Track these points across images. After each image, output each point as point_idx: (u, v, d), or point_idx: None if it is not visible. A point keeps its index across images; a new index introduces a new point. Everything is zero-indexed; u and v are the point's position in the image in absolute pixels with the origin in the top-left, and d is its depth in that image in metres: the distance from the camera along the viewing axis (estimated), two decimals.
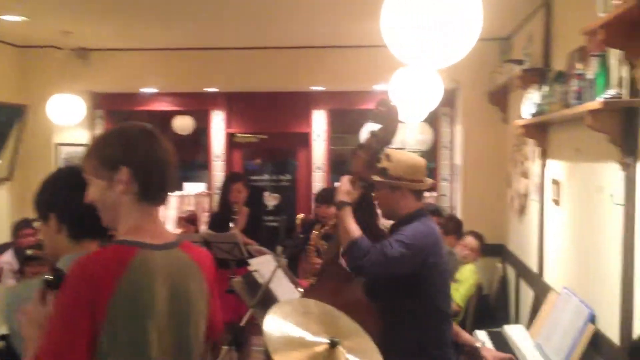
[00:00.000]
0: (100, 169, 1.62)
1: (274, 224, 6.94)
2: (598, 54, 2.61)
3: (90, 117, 6.88)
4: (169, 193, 1.69)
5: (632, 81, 2.43)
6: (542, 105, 3.56)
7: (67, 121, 5.37)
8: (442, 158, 6.64)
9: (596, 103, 2.46)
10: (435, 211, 5.85)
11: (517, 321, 4.96)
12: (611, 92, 2.41)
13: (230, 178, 4.86)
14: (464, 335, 3.50)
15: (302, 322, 1.97)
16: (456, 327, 3.44)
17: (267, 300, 3.12)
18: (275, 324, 1.90)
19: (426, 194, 6.53)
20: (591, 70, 2.67)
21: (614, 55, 2.54)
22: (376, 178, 2.56)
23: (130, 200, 1.61)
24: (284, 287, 3.42)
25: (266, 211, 6.98)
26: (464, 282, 4.77)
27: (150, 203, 1.63)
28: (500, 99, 5.52)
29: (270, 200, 7.01)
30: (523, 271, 4.87)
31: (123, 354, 1.51)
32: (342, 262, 2.92)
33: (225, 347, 2.90)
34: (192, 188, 7.02)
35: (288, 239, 4.34)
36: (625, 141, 2.52)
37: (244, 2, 4.47)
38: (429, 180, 2.66)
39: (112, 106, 7.00)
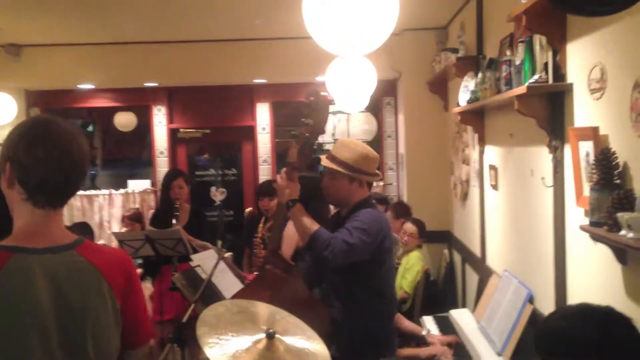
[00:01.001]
0: (0, 160, 1.57)
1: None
2: (524, 40, 2.67)
3: (27, 115, 6.67)
4: (60, 197, 1.58)
5: (556, 66, 2.50)
6: (477, 92, 3.63)
7: None
8: (387, 147, 6.71)
9: (522, 88, 2.52)
10: (383, 200, 5.91)
11: (464, 305, 5.06)
12: (535, 77, 2.47)
13: (171, 174, 4.78)
14: (407, 323, 3.55)
15: (236, 322, 1.96)
16: (398, 316, 3.49)
17: (210, 295, 3.10)
18: (211, 333, 1.87)
19: (374, 183, 6.66)
20: (519, 56, 2.73)
21: (539, 41, 2.61)
22: (337, 168, 2.58)
23: (19, 200, 1.55)
24: (227, 281, 3.39)
25: (213, 206, 6.91)
26: (411, 268, 4.83)
27: (36, 205, 1.54)
28: (440, 87, 5.61)
29: (217, 195, 6.94)
30: (468, 256, 4.97)
31: None
32: (282, 253, 2.93)
33: (168, 345, 2.85)
34: (136, 185, 6.87)
35: (227, 232, 4.30)
36: (552, 124, 2.59)
37: None
38: (380, 173, 2.74)
39: (49, 104, 6.77)
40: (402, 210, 5.31)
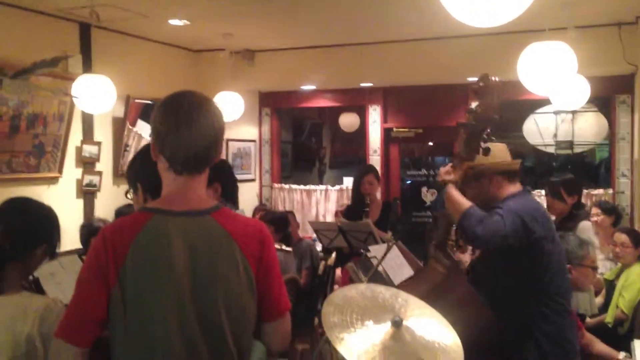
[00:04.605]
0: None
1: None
2: None
3: (259, 114, 7.38)
4: (194, 164, 1.68)
5: None
6: None
7: (230, 117, 5.77)
8: (620, 151, 5.93)
9: None
10: (611, 210, 5.26)
11: None
12: None
13: (361, 170, 4.86)
14: (600, 347, 3.11)
15: (364, 306, 1.90)
16: (590, 337, 3.08)
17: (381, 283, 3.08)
18: (335, 313, 1.84)
19: (600, 190, 5.97)
20: None
21: None
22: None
23: (164, 169, 1.70)
24: (403, 274, 3.33)
25: (424, 207, 6.85)
26: (630, 286, 4.21)
27: (176, 172, 1.67)
28: None
29: (428, 196, 6.86)
30: None
31: (134, 317, 1.57)
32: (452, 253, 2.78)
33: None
34: (350, 182, 7.12)
35: (399, 223, 4.22)
36: None
37: None
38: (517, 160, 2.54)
39: (277, 104, 7.39)
40: None
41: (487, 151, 2.42)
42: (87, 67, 5.01)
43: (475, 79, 6.36)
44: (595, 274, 3.26)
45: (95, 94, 4.22)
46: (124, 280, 1.56)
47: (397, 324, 1.83)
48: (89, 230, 3.85)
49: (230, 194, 2.43)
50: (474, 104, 2.36)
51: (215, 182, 2.28)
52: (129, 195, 2.14)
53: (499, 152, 2.51)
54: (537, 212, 2.41)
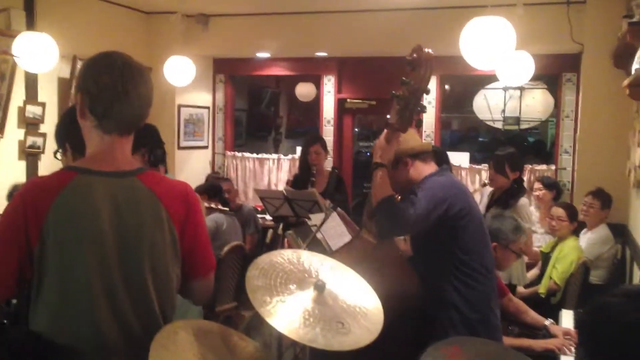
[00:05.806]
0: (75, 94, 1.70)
1: None
2: None
3: (213, 80, 7.28)
4: (127, 124, 1.67)
5: None
6: None
7: (180, 83, 5.68)
8: (564, 129, 6.09)
9: None
10: (553, 185, 5.44)
11: None
12: None
13: (308, 140, 4.87)
14: (532, 314, 3.24)
15: (289, 270, 1.93)
16: (523, 306, 3.20)
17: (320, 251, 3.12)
18: (259, 277, 1.87)
19: (544, 166, 6.14)
20: None
21: None
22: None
23: (90, 127, 1.66)
24: (344, 240, 3.39)
25: None
26: (563, 258, 4.40)
27: (105, 131, 1.65)
28: (626, 61, 4.93)
29: None
30: (637, 253, 4.36)
31: (58, 277, 1.56)
32: None
33: None
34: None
35: (337, 192, 4.28)
36: None
37: None
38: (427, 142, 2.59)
39: (232, 71, 7.30)
40: (609, 199, 4.85)
41: (420, 123, 2.45)
42: (31, 24, 4.85)
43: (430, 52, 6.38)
44: (517, 259, 3.38)
45: (38, 53, 4.10)
46: (46, 238, 1.54)
47: (320, 288, 1.87)
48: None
49: (159, 159, 2.42)
50: (407, 76, 2.36)
51: (142, 147, 2.27)
52: (58, 156, 2.12)
53: (410, 136, 2.54)
54: (457, 187, 2.48)
